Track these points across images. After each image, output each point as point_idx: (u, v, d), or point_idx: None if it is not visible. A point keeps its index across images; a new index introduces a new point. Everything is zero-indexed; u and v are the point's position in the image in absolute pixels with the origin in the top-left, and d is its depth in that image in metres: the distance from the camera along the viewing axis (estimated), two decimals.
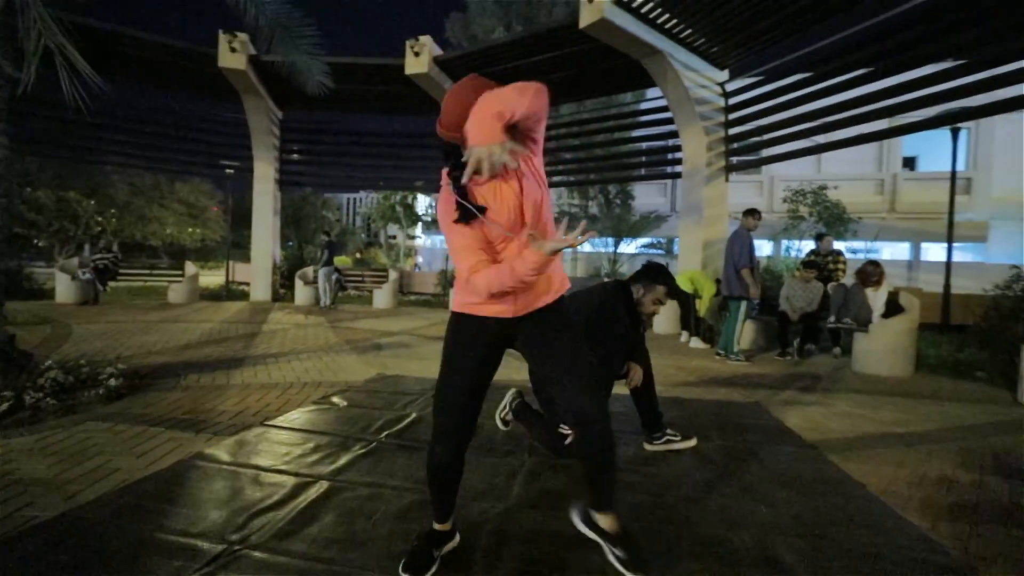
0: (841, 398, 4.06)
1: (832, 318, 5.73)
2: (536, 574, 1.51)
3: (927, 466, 2.61)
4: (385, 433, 2.72)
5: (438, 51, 9.00)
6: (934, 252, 17.63)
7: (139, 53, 8.83)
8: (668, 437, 2.66)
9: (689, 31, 7.49)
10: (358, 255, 36.16)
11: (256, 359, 4.71)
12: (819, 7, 6.53)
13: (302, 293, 10.78)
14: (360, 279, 12.42)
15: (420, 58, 8.73)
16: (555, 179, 12.41)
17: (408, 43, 8.66)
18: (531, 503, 1.99)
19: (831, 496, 2.15)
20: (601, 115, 11.92)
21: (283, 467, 2.22)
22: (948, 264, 9.91)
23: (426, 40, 8.69)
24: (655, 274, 2.55)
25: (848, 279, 6.28)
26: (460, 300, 1.57)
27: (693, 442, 2.69)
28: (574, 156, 12.14)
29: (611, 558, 1.51)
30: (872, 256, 17.82)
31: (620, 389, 2.72)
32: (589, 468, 1.51)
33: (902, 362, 5.15)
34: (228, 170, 12.48)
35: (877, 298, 5.50)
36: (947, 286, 9.61)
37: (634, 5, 6.89)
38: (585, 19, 6.94)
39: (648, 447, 2.65)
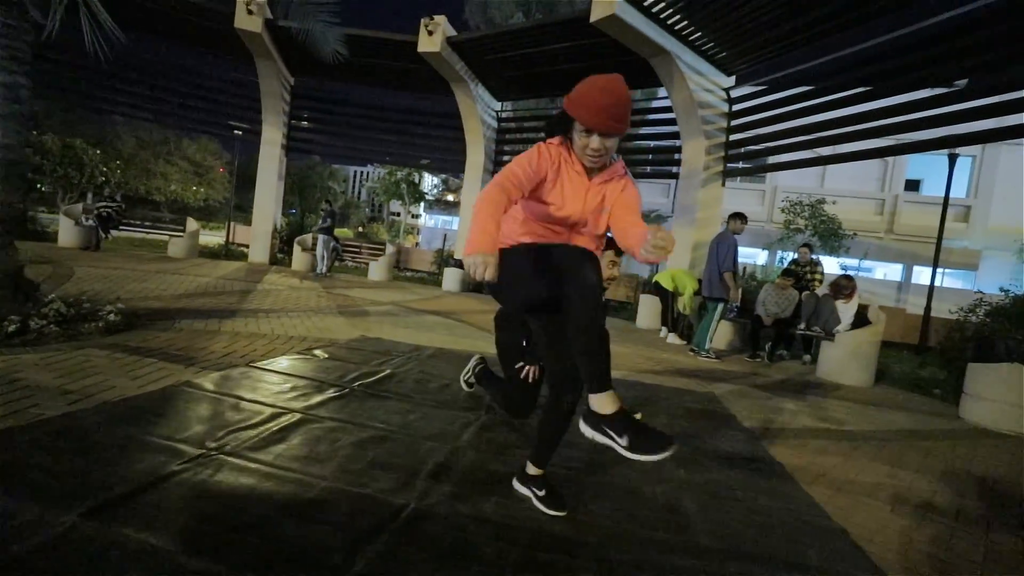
0: (794, 397, 4.31)
1: (802, 325, 5.98)
2: (467, 497, 1.77)
3: (848, 457, 2.87)
4: (358, 383, 2.97)
5: (451, 32, 9.13)
6: (926, 276, 17.91)
7: (154, 5, 8.93)
8: None
9: (698, 34, 7.62)
10: (360, 228, 36.29)
11: (248, 312, 4.95)
12: (828, 22, 6.67)
13: (299, 259, 11.00)
14: (358, 250, 12.63)
15: (433, 37, 8.85)
16: None
17: (423, 21, 8.79)
18: (475, 447, 2.24)
19: (747, 469, 2.41)
20: None
21: (261, 399, 2.47)
22: (931, 288, 10.14)
23: (440, 20, 8.81)
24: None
25: (822, 289, 6.51)
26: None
27: (638, 416, 2.93)
28: None
29: (619, 450, 1.42)
30: (864, 275, 18.11)
31: None
32: (583, 347, 1.44)
33: (862, 372, 5.40)
34: (236, 131, 12.64)
35: (847, 311, 5.74)
36: (928, 308, 9.85)
37: (645, 3, 7.02)
38: (596, 13, 7.08)
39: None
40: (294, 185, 27.66)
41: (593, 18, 7.10)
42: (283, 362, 3.20)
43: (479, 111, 10.60)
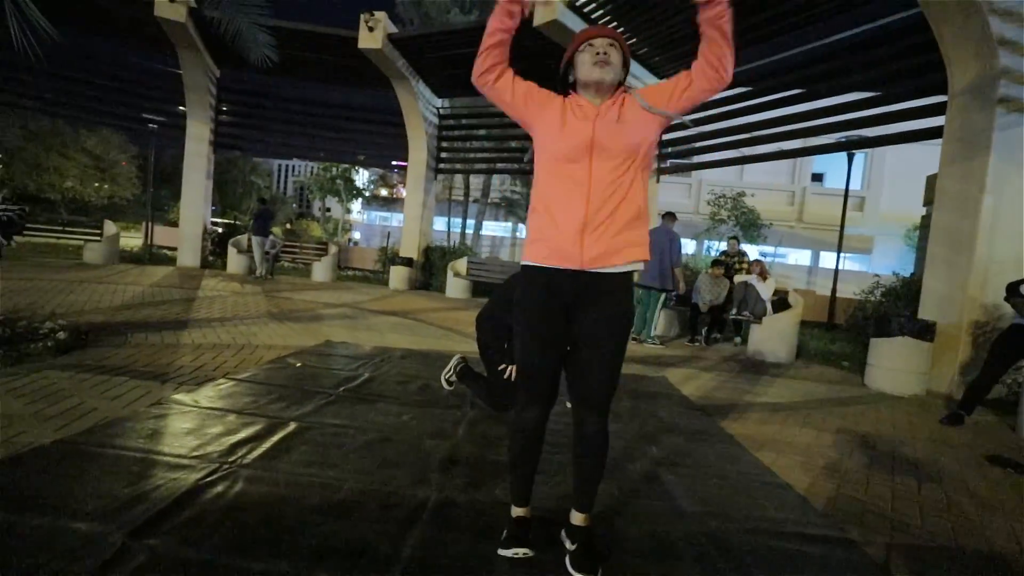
0: (731, 376, 4.83)
1: (733, 311, 6.61)
2: (480, 484, 1.96)
3: (783, 425, 3.33)
4: (342, 388, 3.05)
5: (393, 28, 9.03)
6: (830, 260, 20.00)
7: None
8: None
9: (634, 39, 8.09)
10: (288, 225, 34.62)
11: (201, 323, 4.78)
12: (754, 31, 7.30)
13: (235, 261, 10.50)
14: (298, 251, 12.19)
15: (374, 33, 8.72)
16: (499, 166, 12.82)
17: (363, 17, 8.62)
18: (472, 442, 2.43)
19: (707, 443, 2.77)
20: None
21: (253, 411, 2.50)
22: (836, 271, 11.41)
23: (381, 16, 8.69)
24: None
25: (751, 278, 7.22)
26: (530, 250, 1.51)
27: None
28: (520, 144, 12.53)
29: (567, 556, 1.50)
30: (779, 260, 19.90)
31: None
32: (584, 469, 1.54)
33: (785, 350, 6.09)
34: (152, 125, 11.72)
35: (765, 289, 6.48)
36: (834, 290, 11.08)
37: (585, 10, 7.36)
38: (539, 18, 7.32)
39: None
40: (214, 180, 25.91)
41: (536, 22, 7.34)
42: (261, 373, 3.20)
43: (420, 108, 10.56)
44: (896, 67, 6.27)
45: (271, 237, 10.03)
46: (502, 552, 1.51)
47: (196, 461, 1.91)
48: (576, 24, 7.46)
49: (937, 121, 5.59)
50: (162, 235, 16.23)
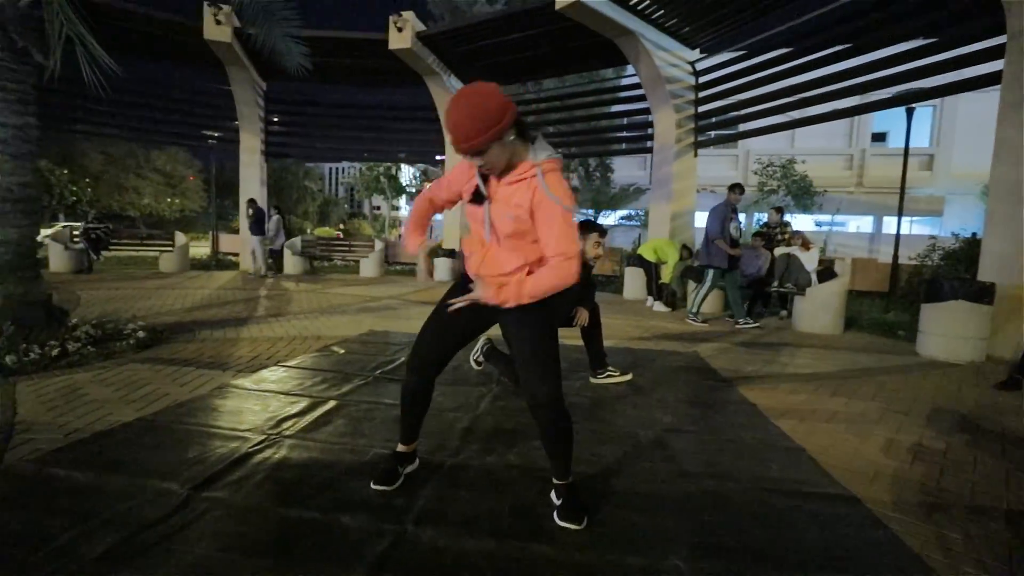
0: (769, 349, 4.75)
1: (776, 283, 6.42)
2: (493, 450, 2.14)
3: (812, 394, 3.29)
4: (379, 371, 3.31)
5: (421, 27, 9.26)
6: (895, 225, 18.61)
7: (123, 23, 8.92)
8: (609, 372, 3.30)
9: (660, 12, 7.89)
10: (342, 225, 36.15)
11: (258, 319, 5.24)
12: None
13: (291, 263, 11.19)
14: (347, 248, 12.83)
15: (403, 33, 8.99)
16: None
17: (392, 19, 8.91)
18: (492, 414, 2.61)
19: (725, 411, 2.81)
20: (581, 90, 12.26)
21: (299, 392, 2.81)
22: (897, 237, 10.66)
23: (409, 16, 8.94)
24: (587, 226, 3.12)
25: (794, 249, 6.94)
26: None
27: (629, 376, 3.34)
28: (556, 130, 12.53)
29: (555, 510, 1.66)
30: (838, 229, 18.77)
31: (574, 338, 3.33)
32: (546, 443, 1.68)
33: (832, 321, 5.86)
34: (211, 140, 12.65)
35: (809, 259, 6.24)
36: (896, 257, 10.38)
37: None
38: (561, 0, 7.30)
39: (593, 380, 3.29)
40: (271, 188, 27.56)
41: (559, 5, 7.32)
42: (308, 360, 3.53)
43: None
44: (948, 10, 5.80)
45: (274, 237, 10.47)
46: (373, 486, 1.77)
47: (248, 433, 2.20)
48: (598, 2, 7.37)
49: (997, 66, 5.15)
50: (227, 242, 17.50)
